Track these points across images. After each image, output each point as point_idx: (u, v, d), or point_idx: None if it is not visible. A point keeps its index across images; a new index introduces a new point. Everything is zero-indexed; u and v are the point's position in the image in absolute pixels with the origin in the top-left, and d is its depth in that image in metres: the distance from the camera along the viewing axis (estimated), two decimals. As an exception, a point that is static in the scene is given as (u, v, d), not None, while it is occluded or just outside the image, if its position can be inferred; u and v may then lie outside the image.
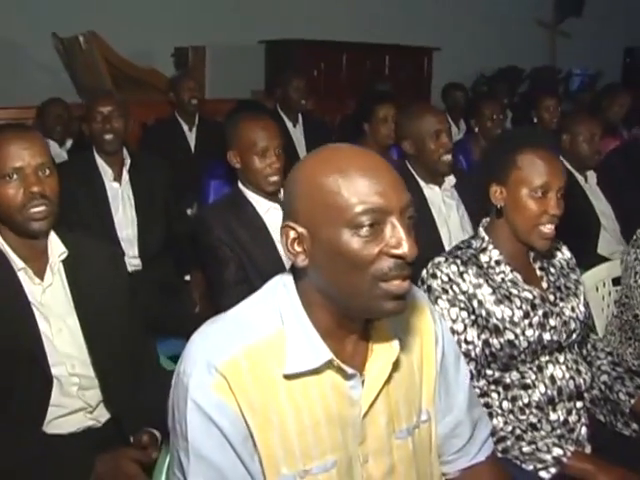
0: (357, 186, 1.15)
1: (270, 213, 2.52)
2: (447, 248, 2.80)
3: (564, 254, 2.00)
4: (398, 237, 1.13)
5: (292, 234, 1.20)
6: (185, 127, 4.30)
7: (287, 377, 1.21)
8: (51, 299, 1.81)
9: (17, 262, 1.77)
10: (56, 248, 1.84)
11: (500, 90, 6.75)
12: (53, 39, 6.68)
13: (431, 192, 2.89)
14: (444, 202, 2.91)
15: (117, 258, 2.04)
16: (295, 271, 1.26)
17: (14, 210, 1.71)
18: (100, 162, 3.02)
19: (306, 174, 1.20)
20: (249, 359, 1.19)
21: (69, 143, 4.23)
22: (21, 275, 1.77)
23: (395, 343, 1.28)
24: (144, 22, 6.81)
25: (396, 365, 1.29)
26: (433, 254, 2.81)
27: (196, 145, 4.28)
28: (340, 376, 1.24)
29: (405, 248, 1.13)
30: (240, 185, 2.56)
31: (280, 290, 1.27)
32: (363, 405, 1.26)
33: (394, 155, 3.80)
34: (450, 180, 2.91)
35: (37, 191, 1.70)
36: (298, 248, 1.20)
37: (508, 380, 1.83)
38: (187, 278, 3.00)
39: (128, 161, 3.06)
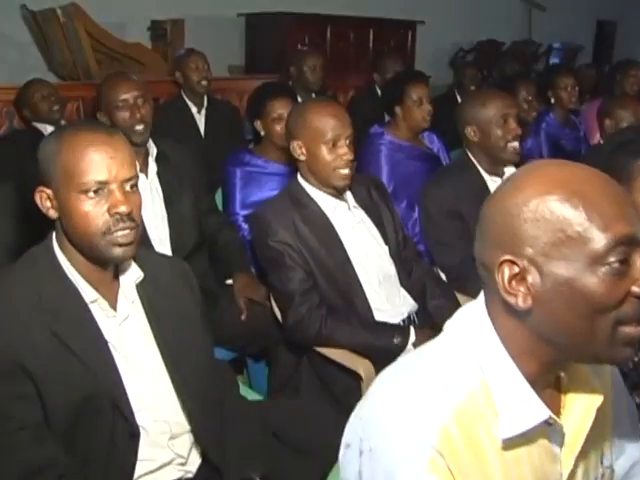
0: (602, 213, 0.95)
1: (337, 212, 2.28)
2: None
3: None
4: None
5: (512, 270, 1.00)
6: (194, 109, 3.95)
7: (502, 440, 1.02)
8: (128, 334, 1.56)
9: (89, 293, 1.52)
10: (130, 271, 1.58)
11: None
12: (22, 11, 6.26)
13: (494, 185, 2.69)
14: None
15: (189, 275, 1.77)
16: (492, 309, 1.06)
17: (94, 233, 1.45)
18: None
19: (531, 197, 0.99)
20: (460, 424, 1.00)
21: None
22: (94, 308, 1.52)
23: (598, 387, 1.10)
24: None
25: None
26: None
27: (206, 129, 3.94)
28: (546, 431, 1.07)
29: None
30: (301, 180, 2.30)
31: (471, 331, 1.08)
32: (565, 462, 1.09)
33: (432, 141, 3.58)
34: (511, 171, 2.72)
35: (124, 212, 1.45)
36: (520, 287, 1.00)
37: None
38: (229, 282, 2.70)
39: (154, 150, 2.73)
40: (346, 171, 2.21)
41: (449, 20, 8.91)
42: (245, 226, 3.00)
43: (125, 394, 1.49)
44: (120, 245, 1.45)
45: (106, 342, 1.50)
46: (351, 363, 2.13)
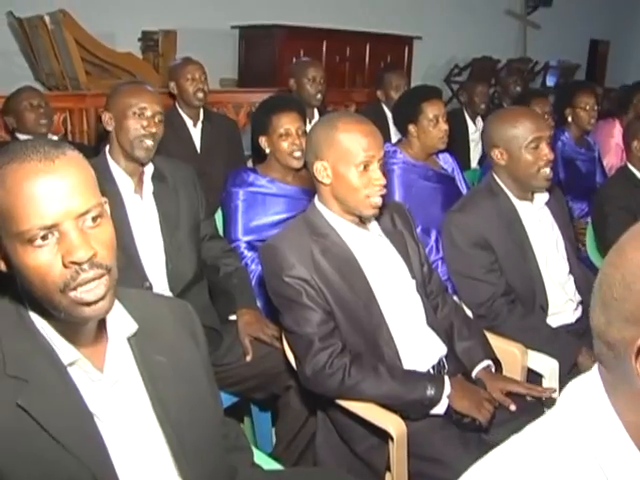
0: None
1: (361, 243, 2.01)
2: (544, 274, 2.38)
3: None
4: None
5: None
6: (189, 123, 3.63)
7: None
8: (118, 401, 1.25)
9: (67, 352, 1.20)
10: (120, 322, 1.27)
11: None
12: (8, 18, 6.00)
13: (525, 210, 2.45)
14: (539, 221, 2.48)
15: (193, 320, 1.46)
16: (618, 397, 0.85)
17: (52, 290, 1.12)
18: (117, 170, 2.41)
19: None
20: None
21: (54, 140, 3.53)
22: (73, 371, 1.21)
23: None
24: (108, 2, 6.20)
25: None
26: (531, 281, 2.43)
27: (202, 145, 3.63)
28: None
29: None
30: (319, 205, 2.03)
31: (588, 422, 0.82)
32: None
33: (446, 162, 3.33)
34: (542, 196, 2.48)
35: (83, 259, 1.10)
36: None
37: None
38: (232, 318, 2.41)
39: (151, 168, 2.46)
40: (377, 199, 1.94)
41: (443, 36, 8.81)
42: (248, 254, 2.74)
43: (115, 477, 1.20)
44: (88, 304, 1.12)
45: (90, 414, 1.20)
46: (380, 420, 1.85)
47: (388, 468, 1.91)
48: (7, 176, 1.10)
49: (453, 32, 9.03)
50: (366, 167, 1.92)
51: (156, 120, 2.40)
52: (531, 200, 2.49)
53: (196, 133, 3.65)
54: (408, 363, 2.01)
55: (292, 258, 1.90)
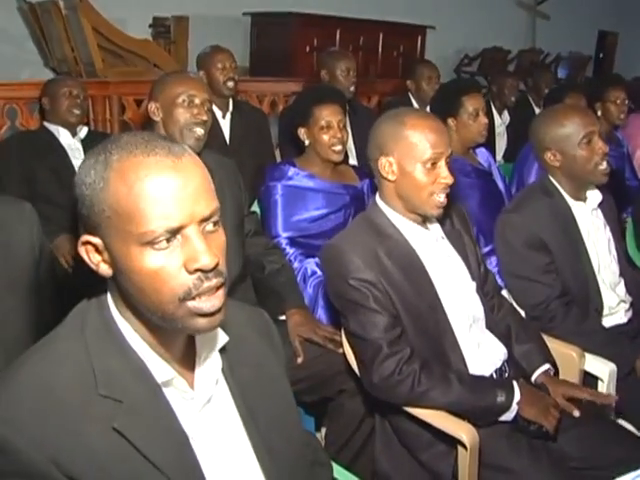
0: None
1: (424, 244, 1.95)
2: (597, 275, 2.33)
3: None
4: None
5: None
6: (218, 114, 3.51)
7: None
8: (211, 421, 1.16)
9: (162, 370, 1.11)
10: (211, 334, 1.17)
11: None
12: (18, 2, 5.88)
13: (580, 211, 2.39)
14: (592, 222, 2.42)
15: (272, 329, 1.39)
16: None
17: (169, 300, 1.03)
18: None
19: None
20: None
21: (83, 131, 3.41)
22: (168, 391, 1.12)
23: None
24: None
25: None
26: (586, 283, 2.38)
27: (232, 136, 3.54)
28: None
29: None
30: (381, 204, 1.96)
31: None
32: None
33: (482, 156, 3.27)
34: (596, 196, 2.42)
35: (209, 266, 1.02)
36: None
37: None
38: (282, 318, 2.33)
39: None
40: (443, 198, 1.88)
41: (452, 27, 8.71)
42: (290, 251, 2.66)
43: None
44: (205, 315, 1.04)
45: (185, 435, 1.11)
46: (451, 428, 1.79)
47: (454, 476, 1.85)
48: (129, 170, 1.00)
49: (462, 22, 8.95)
50: (434, 164, 1.86)
51: (205, 108, 2.34)
52: (584, 201, 2.43)
53: (225, 124, 3.56)
54: (473, 368, 1.94)
55: (358, 260, 1.83)
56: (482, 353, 1.99)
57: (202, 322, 1.05)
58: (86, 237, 1.06)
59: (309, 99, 2.79)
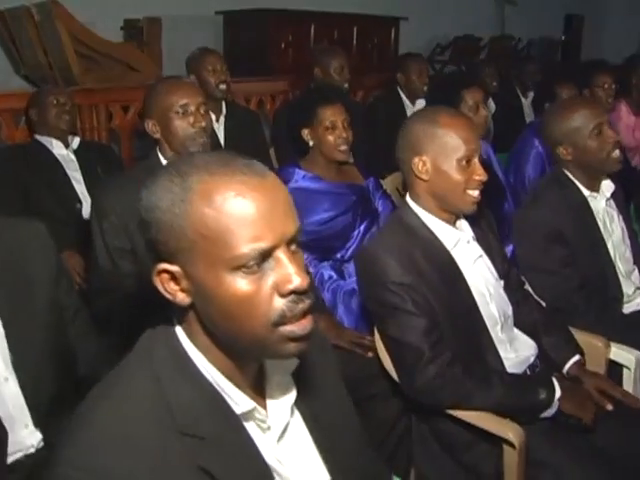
0: None
1: (460, 247, 1.92)
2: (615, 264, 2.34)
3: None
4: None
5: None
6: (212, 117, 3.49)
7: None
8: (288, 453, 1.11)
9: (241, 401, 1.05)
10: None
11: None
12: (-15, 10, 5.73)
13: (595, 202, 2.40)
14: (607, 212, 2.42)
15: (324, 337, 1.35)
16: None
17: (261, 325, 0.97)
18: None
19: None
20: None
21: (75, 142, 3.34)
22: (247, 424, 1.07)
23: None
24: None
25: None
26: (604, 273, 2.38)
27: (226, 139, 3.48)
28: None
29: None
30: (412, 204, 1.93)
31: None
32: None
33: (482, 149, 3.25)
34: (608, 186, 2.43)
35: (302, 287, 0.97)
36: None
37: None
38: None
39: None
40: (477, 194, 1.86)
41: (422, 16, 8.70)
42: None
43: None
44: (296, 339, 0.99)
45: (269, 470, 1.06)
46: (498, 429, 1.78)
47: (497, 476, 1.84)
48: (214, 192, 0.95)
49: (431, 12, 8.95)
50: (468, 162, 1.84)
51: (202, 112, 2.26)
52: (599, 191, 2.44)
53: (219, 128, 3.50)
54: (508, 366, 1.93)
55: (395, 264, 1.80)
56: (515, 351, 1.98)
57: (293, 347, 0.99)
58: (163, 266, 0.99)
59: (312, 100, 2.75)
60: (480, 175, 1.84)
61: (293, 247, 0.99)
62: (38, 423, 1.68)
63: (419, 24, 8.60)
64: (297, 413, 1.16)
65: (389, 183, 3.15)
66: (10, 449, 1.63)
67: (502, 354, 1.93)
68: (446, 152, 1.84)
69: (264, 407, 1.10)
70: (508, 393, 1.82)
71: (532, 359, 2.02)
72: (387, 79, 4.57)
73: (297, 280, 0.96)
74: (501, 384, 1.82)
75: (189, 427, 0.99)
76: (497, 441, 1.81)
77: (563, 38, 11.07)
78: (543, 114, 2.52)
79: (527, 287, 2.35)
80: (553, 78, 4.00)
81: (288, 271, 0.96)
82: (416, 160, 1.88)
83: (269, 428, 1.09)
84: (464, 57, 8.95)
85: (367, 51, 7.47)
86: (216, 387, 1.04)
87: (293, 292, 0.96)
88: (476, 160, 1.85)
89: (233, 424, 1.04)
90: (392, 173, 3.33)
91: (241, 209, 0.94)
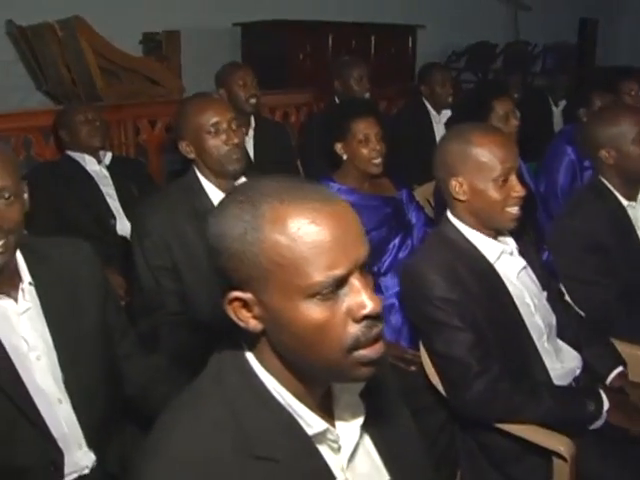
0: None
1: (503, 259, 1.93)
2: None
3: None
4: None
5: None
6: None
7: None
8: (358, 472, 1.10)
9: (314, 422, 1.06)
10: None
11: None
12: (7, 27, 5.80)
13: (634, 211, 2.41)
14: (645, 221, 2.42)
15: (386, 361, 1.36)
16: None
17: (336, 350, 0.99)
18: (210, 187, 2.29)
19: None
20: None
21: (108, 157, 3.35)
22: (322, 448, 1.07)
23: None
24: (106, 6, 6.00)
25: None
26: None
27: (256, 153, 3.50)
28: None
29: None
30: (454, 220, 1.94)
31: None
32: None
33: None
34: (646, 192, 2.43)
35: (376, 312, 0.99)
36: None
37: None
38: None
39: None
40: (517, 210, 1.86)
41: (436, 24, 8.68)
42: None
43: None
44: (369, 364, 0.99)
45: None
46: (548, 442, 1.78)
47: (546, 489, 1.84)
48: (287, 219, 0.94)
49: (445, 19, 8.94)
50: (505, 180, 1.84)
51: (233, 127, 2.26)
52: (636, 199, 2.45)
53: (249, 142, 3.50)
54: (555, 378, 1.93)
55: (440, 280, 1.81)
56: (561, 362, 1.98)
57: (366, 371, 1.00)
58: (235, 294, 0.99)
59: (344, 113, 2.76)
60: (518, 191, 1.84)
61: (363, 271, 0.99)
62: (91, 443, 1.70)
63: (433, 32, 8.60)
64: (364, 433, 1.16)
65: (420, 194, 3.15)
66: (65, 470, 1.64)
67: (548, 365, 1.93)
68: (482, 172, 1.84)
69: (332, 426, 1.11)
70: (557, 405, 1.81)
71: (578, 371, 2.01)
72: (409, 89, 4.55)
73: (371, 305, 0.96)
74: (549, 397, 1.82)
75: (264, 450, 1.00)
76: (546, 454, 1.81)
77: (577, 42, 11.02)
78: (582, 120, 2.51)
79: (567, 298, 2.35)
80: (587, 85, 3.97)
81: (362, 296, 0.96)
82: (453, 182, 1.88)
83: (340, 449, 1.09)
84: (479, 64, 8.96)
85: (385, 60, 7.47)
86: (288, 409, 1.04)
87: (367, 317, 0.97)
88: (513, 177, 1.85)
89: (306, 446, 1.04)
90: (421, 184, 3.34)
91: (316, 237, 0.94)
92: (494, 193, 1.84)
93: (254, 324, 1.00)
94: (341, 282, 0.96)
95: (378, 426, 1.17)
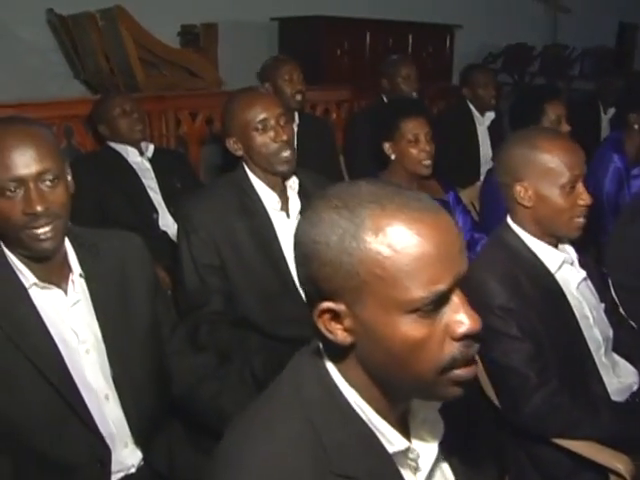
0: None
1: (564, 269, 1.87)
2: None
3: None
4: None
5: None
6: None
7: None
8: None
9: (394, 439, 1.02)
10: None
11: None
12: (47, 15, 5.81)
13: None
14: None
15: None
16: None
17: (435, 368, 0.95)
18: (260, 186, 2.25)
19: None
20: None
21: (150, 149, 3.28)
22: (398, 461, 1.04)
23: None
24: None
25: None
26: None
27: (299, 149, 3.44)
28: None
29: None
30: (515, 227, 1.88)
31: None
32: None
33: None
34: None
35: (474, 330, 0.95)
36: None
37: None
38: None
39: (296, 182, 2.30)
40: (583, 220, 1.80)
41: (473, 24, 8.58)
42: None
43: None
44: (460, 383, 0.96)
45: None
46: (606, 459, 1.72)
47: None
48: (390, 229, 0.89)
49: (483, 19, 8.84)
50: (572, 187, 1.78)
51: (282, 123, 2.21)
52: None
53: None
54: (612, 393, 1.87)
55: (501, 288, 1.75)
56: (618, 377, 1.92)
57: (457, 390, 0.95)
58: (327, 304, 0.93)
59: (394, 113, 2.72)
60: (585, 200, 1.78)
61: (462, 286, 0.94)
62: (138, 442, 1.67)
63: (470, 32, 8.50)
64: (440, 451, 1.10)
65: (464, 197, 3.10)
66: (112, 468, 1.61)
67: (606, 379, 1.87)
68: (548, 179, 1.78)
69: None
70: (616, 422, 1.75)
71: (635, 387, 1.95)
72: (448, 89, 4.49)
73: (471, 323, 0.91)
74: (608, 413, 1.76)
75: (343, 467, 0.95)
76: (602, 471, 1.75)
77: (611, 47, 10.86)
78: (632, 126, 2.43)
79: (621, 310, 2.28)
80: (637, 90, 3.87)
81: (462, 313, 0.91)
82: (518, 187, 1.82)
83: (418, 468, 1.04)
84: (516, 66, 8.85)
85: (422, 59, 7.39)
86: (370, 426, 0.99)
87: (466, 336, 0.92)
88: (580, 184, 1.79)
89: (387, 464, 1.00)
90: (465, 187, 3.29)
91: (420, 249, 0.88)
92: (560, 200, 1.78)
93: (343, 337, 0.95)
94: (443, 298, 0.91)
95: (454, 444, 1.12)
